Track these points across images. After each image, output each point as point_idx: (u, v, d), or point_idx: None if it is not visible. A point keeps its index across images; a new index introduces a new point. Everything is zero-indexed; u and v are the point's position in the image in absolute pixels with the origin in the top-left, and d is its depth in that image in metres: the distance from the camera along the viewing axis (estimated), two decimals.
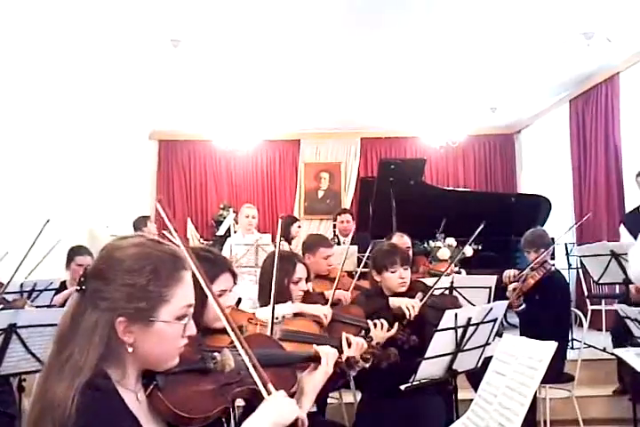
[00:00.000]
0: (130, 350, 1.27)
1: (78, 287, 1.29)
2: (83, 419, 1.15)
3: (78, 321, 1.26)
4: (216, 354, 1.48)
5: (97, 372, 1.23)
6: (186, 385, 1.39)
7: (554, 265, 4.57)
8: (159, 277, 1.28)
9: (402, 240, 4.77)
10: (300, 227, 6.75)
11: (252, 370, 1.41)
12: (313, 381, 1.69)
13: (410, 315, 2.92)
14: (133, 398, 1.30)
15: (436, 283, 3.31)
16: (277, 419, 1.37)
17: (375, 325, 2.83)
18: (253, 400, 1.50)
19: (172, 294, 1.30)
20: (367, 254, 3.96)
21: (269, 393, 1.41)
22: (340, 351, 2.32)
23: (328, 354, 1.72)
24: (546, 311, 4.14)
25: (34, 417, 1.20)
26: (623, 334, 3.76)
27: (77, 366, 1.21)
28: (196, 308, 1.86)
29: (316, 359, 1.72)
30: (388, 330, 2.84)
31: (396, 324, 2.88)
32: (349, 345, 2.34)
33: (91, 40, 5.68)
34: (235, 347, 1.45)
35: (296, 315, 2.75)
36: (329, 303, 2.98)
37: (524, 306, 4.24)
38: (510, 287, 4.28)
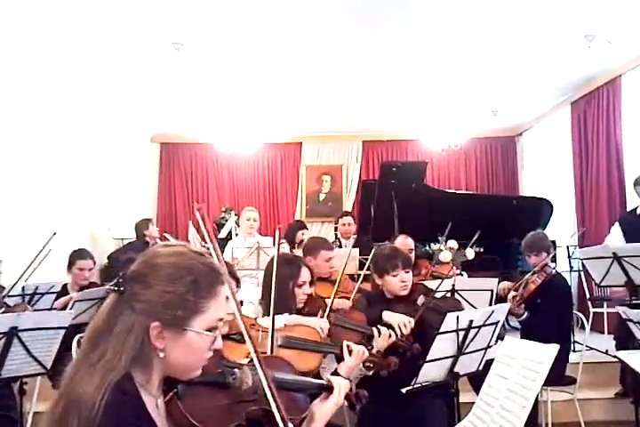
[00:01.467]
0: (161, 355, 1.29)
1: (115, 288, 1.32)
2: (107, 420, 1.17)
3: (114, 322, 1.28)
4: (236, 370, 1.50)
5: (125, 374, 1.25)
6: (204, 397, 1.42)
7: (555, 268, 4.55)
8: (198, 287, 1.31)
9: (405, 242, 4.76)
10: (304, 234, 6.74)
11: (271, 401, 1.43)
12: (324, 409, 1.70)
13: (402, 334, 2.90)
14: (153, 403, 1.32)
15: (438, 287, 3.30)
16: None
17: (380, 333, 2.82)
18: (265, 422, 1.53)
19: (208, 306, 1.33)
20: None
21: (285, 425, 1.42)
22: (342, 359, 2.32)
23: (341, 385, 1.74)
24: (548, 315, 4.13)
25: (59, 412, 1.21)
26: (626, 338, 3.75)
27: (110, 365, 1.23)
28: None
29: (328, 389, 1.73)
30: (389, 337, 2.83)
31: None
32: (350, 353, 2.34)
33: (93, 43, 5.68)
34: (254, 365, 1.48)
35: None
36: (327, 311, 2.96)
37: (526, 314, 4.22)
38: (510, 296, 4.25)
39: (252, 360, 1.50)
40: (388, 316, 3.00)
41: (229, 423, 1.43)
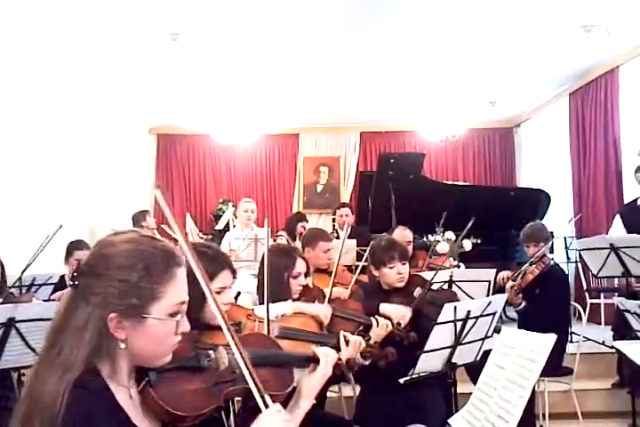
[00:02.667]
0: (122, 346, 1.26)
1: (71, 283, 1.29)
2: (70, 419, 1.14)
3: (70, 317, 1.26)
4: (210, 352, 1.47)
5: (87, 368, 1.22)
6: (178, 382, 1.38)
7: (552, 259, 4.56)
8: (151, 273, 1.28)
9: (404, 234, 4.76)
10: (304, 227, 6.73)
11: (248, 379, 1.40)
12: (311, 382, 1.69)
13: (399, 324, 2.90)
14: (126, 394, 1.29)
15: (433, 277, 3.30)
16: None
17: (378, 323, 2.82)
18: (248, 399, 1.50)
19: (165, 291, 1.29)
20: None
21: (266, 406, 1.40)
22: (338, 350, 2.32)
23: (327, 356, 1.72)
24: (545, 305, 4.14)
25: (21, 414, 1.19)
26: (624, 328, 3.76)
27: (68, 361, 1.21)
28: (195, 304, 1.86)
29: (314, 360, 1.71)
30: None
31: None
32: (347, 343, 2.34)
33: (89, 34, 5.65)
34: (229, 347, 1.44)
35: (295, 312, 2.75)
36: (326, 300, 2.96)
37: (524, 304, 4.23)
38: (508, 285, 4.26)
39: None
40: (385, 308, 3.00)
41: (207, 406, 1.40)
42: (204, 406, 1.39)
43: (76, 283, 1.27)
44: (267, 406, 1.40)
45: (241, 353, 1.40)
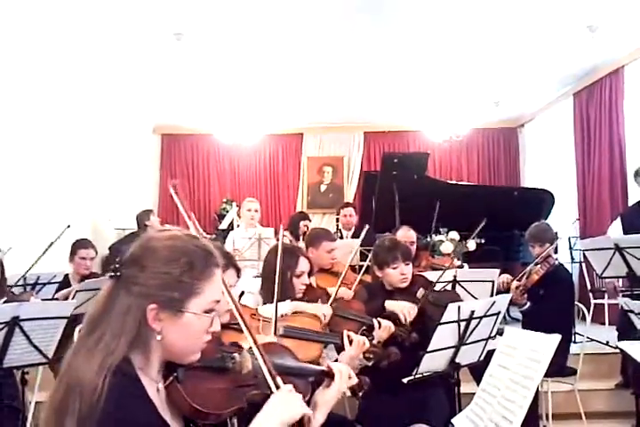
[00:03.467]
0: (158, 337, 1.30)
1: (112, 274, 1.32)
2: (111, 403, 1.17)
3: (111, 305, 1.30)
4: (235, 355, 1.50)
5: (123, 358, 1.26)
6: (204, 381, 1.43)
7: (557, 259, 4.56)
8: (193, 269, 1.33)
9: (407, 234, 4.74)
10: (307, 226, 6.74)
11: (262, 363, 1.44)
12: (326, 396, 1.70)
13: (406, 320, 2.90)
14: (154, 387, 1.33)
15: (438, 279, 3.30)
16: (284, 415, 1.39)
17: (380, 324, 2.82)
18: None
19: (203, 288, 1.34)
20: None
21: (278, 387, 1.44)
22: (342, 349, 2.32)
23: (342, 371, 1.73)
24: (550, 306, 4.13)
25: (59, 398, 1.22)
26: (628, 329, 3.75)
27: (109, 348, 1.25)
28: None
29: (328, 375, 1.73)
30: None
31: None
32: (350, 343, 2.34)
33: (94, 34, 5.67)
34: (253, 352, 1.49)
35: (297, 311, 2.75)
36: (331, 299, 2.96)
37: (528, 304, 4.22)
38: (513, 286, 4.25)
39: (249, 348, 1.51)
40: (391, 304, 3.00)
41: (230, 407, 1.44)
42: (228, 407, 1.43)
43: (118, 274, 1.31)
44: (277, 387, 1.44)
45: (262, 355, 1.46)
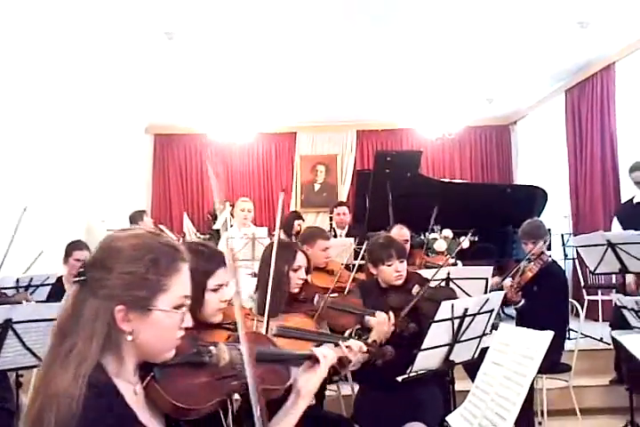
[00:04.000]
0: (129, 338, 1.28)
1: (76, 279, 1.30)
2: (89, 414, 1.16)
3: (79, 311, 1.27)
4: (211, 348, 1.49)
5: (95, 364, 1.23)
6: (182, 377, 1.41)
7: (550, 256, 4.57)
8: (158, 266, 1.31)
9: (401, 232, 4.75)
10: (300, 226, 6.74)
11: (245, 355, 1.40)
12: (309, 383, 1.70)
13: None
14: (131, 390, 1.31)
15: (433, 276, 3.30)
16: None
17: (376, 317, 2.82)
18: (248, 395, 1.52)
19: (171, 284, 1.32)
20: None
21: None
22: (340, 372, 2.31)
23: (326, 357, 1.73)
24: (544, 302, 4.14)
25: (35, 410, 1.19)
26: (621, 325, 3.77)
27: (82, 355, 1.22)
28: (192, 303, 1.87)
29: (311, 359, 1.73)
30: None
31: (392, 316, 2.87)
32: (349, 349, 2.34)
33: (85, 33, 5.65)
34: (231, 342, 1.49)
35: (295, 306, 2.75)
36: (329, 292, 2.95)
37: (523, 302, 4.23)
38: (507, 284, 4.26)
39: (229, 337, 1.54)
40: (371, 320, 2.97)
41: (211, 400, 1.43)
42: (209, 400, 1.43)
43: (83, 278, 1.29)
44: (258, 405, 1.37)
45: (244, 341, 1.41)
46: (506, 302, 4.30)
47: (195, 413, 1.39)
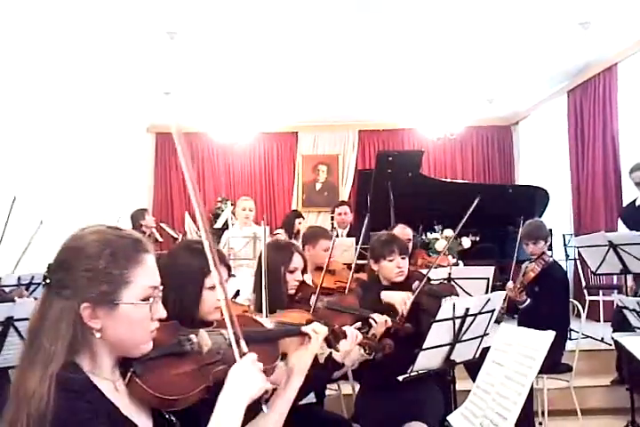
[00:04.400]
0: (98, 335, 1.28)
1: (43, 282, 1.30)
2: (60, 413, 1.16)
3: (45, 313, 1.27)
4: (192, 336, 1.49)
5: (67, 364, 1.23)
6: (164, 369, 1.40)
7: (551, 256, 4.57)
8: (118, 259, 1.30)
9: (404, 232, 4.75)
10: (300, 223, 6.75)
11: (228, 325, 1.41)
12: (301, 359, 1.71)
13: (402, 311, 2.90)
14: (111, 387, 1.31)
15: (430, 269, 3.30)
16: (247, 390, 1.36)
17: (376, 322, 2.81)
18: None
19: (134, 276, 1.31)
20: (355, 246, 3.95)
21: (242, 354, 1.40)
22: (332, 344, 2.32)
23: (316, 332, 1.73)
24: (546, 303, 4.14)
25: (12, 412, 1.20)
26: (623, 325, 3.77)
27: (48, 355, 1.22)
28: (189, 302, 1.87)
29: (300, 334, 1.72)
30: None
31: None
32: (344, 336, 2.33)
33: (87, 33, 5.65)
34: (212, 329, 1.49)
35: (292, 306, 2.75)
36: (318, 289, 2.95)
37: (529, 301, 4.23)
38: (509, 285, 4.26)
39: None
40: (387, 295, 2.99)
41: (196, 387, 1.41)
42: (194, 388, 1.41)
43: (48, 281, 1.29)
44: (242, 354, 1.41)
45: (230, 315, 1.42)
46: (514, 308, 4.31)
47: (181, 402, 1.37)
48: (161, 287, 1.37)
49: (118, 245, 1.31)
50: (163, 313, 1.36)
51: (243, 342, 1.41)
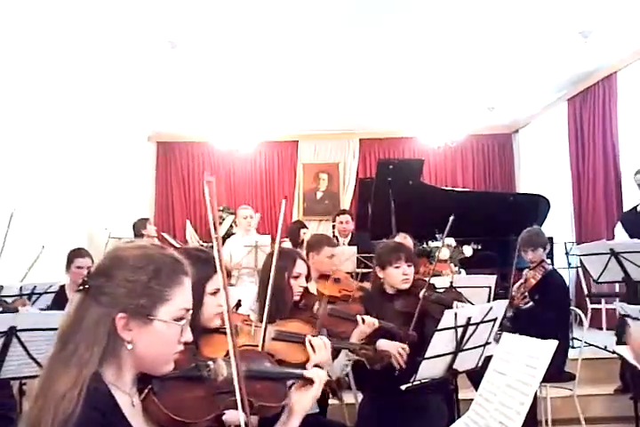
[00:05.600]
0: (129, 347, 1.29)
1: (80, 287, 1.32)
2: (86, 415, 1.17)
3: (81, 317, 1.29)
4: (210, 363, 1.50)
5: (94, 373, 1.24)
6: (180, 391, 1.42)
7: (550, 264, 4.57)
8: (160, 276, 1.32)
9: (405, 241, 4.76)
10: (305, 233, 6.75)
11: (236, 388, 1.43)
12: (302, 401, 1.70)
13: (399, 363, 2.86)
14: (128, 401, 1.32)
15: (430, 277, 3.30)
16: None
17: (364, 321, 2.82)
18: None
19: (172, 295, 1.33)
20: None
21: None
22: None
23: (320, 377, 1.73)
24: (546, 311, 4.14)
25: (35, 412, 1.21)
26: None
27: (83, 359, 1.24)
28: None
29: (306, 379, 1.73)
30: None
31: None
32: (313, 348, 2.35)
33: (88, 42, 5.68)
34: (229, 358, 1.49)
35: (296, 314, 2.75)
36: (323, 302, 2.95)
37: (531, 303, 4.23)
38: (515, 286, 4.27)
39: (227, 354, 1.51)
40: (381, 345, 2.94)
41: (208, 414, 1.44)
42: (207, 414, 1.43)
43: (87, 286, 1.31)
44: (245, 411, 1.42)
45: (237, 362, 1.43)
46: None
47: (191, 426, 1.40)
48: (191, 311, 1.40)
49: (162, 262, 1.35)
50: (189, 337, 1.38)
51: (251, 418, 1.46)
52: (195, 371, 1.48)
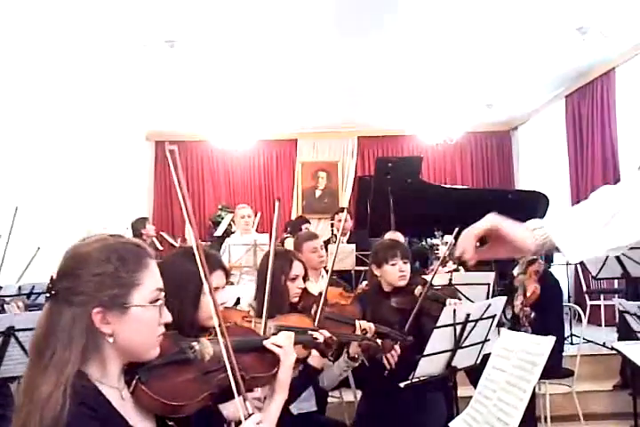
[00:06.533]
0: (110, 340, 1.28)
1: (47, 294, 1.30)
2: (75, 416, 1.17)
3: (55, 323, 1.27)
4: (194, 344, 1.51)
5: (76, 373, 1.23)
6: (168, 376, 1.42)
7: (543, 263, 4.55)
8: (126, 263, 1.32)
9: (394, 236, 4.87)
10: (307, 228, 6.75)
11: (227, 364, 1.45)
12: (280, 375, 1.69)
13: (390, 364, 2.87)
14: (117, 395, 1.31)
15: (433, 277, 3.30)
16: None
17: (361, 326, 2.82)
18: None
19: (142, 279, 1.33)
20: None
21: (239, 393, 1.44)
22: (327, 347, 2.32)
23: (284, 346, 1.71)
24: (541, 310, 4.13)
25: (22, 419, 1.20)
26: (628, 329, 3.76)
27: (62, 362, 1.22)
28: (188, 306, 1.88)
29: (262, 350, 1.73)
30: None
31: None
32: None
33: (86, 41, 5.67)
34: (213, 338, 1.51)
35: (290, 311, 2.75)
36: (321, 302, 2.94)
37: (534, 314, 4.24)
38: (517, 305, 4.26)
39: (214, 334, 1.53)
40: None
41: (200, 394, 1.44)
42: (199, 394, 1.43)
43: (53, 292, 1.29)
44: (239, 393, 1.45)
45: (225, 337, 1.46)
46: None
47: (186, 409, 1.40)
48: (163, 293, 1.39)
49: (124, 250, 1.34)
50: (169, 317, 1.38)
51: (248, 405, 1.46)
52: (180, 354, 1.48)
